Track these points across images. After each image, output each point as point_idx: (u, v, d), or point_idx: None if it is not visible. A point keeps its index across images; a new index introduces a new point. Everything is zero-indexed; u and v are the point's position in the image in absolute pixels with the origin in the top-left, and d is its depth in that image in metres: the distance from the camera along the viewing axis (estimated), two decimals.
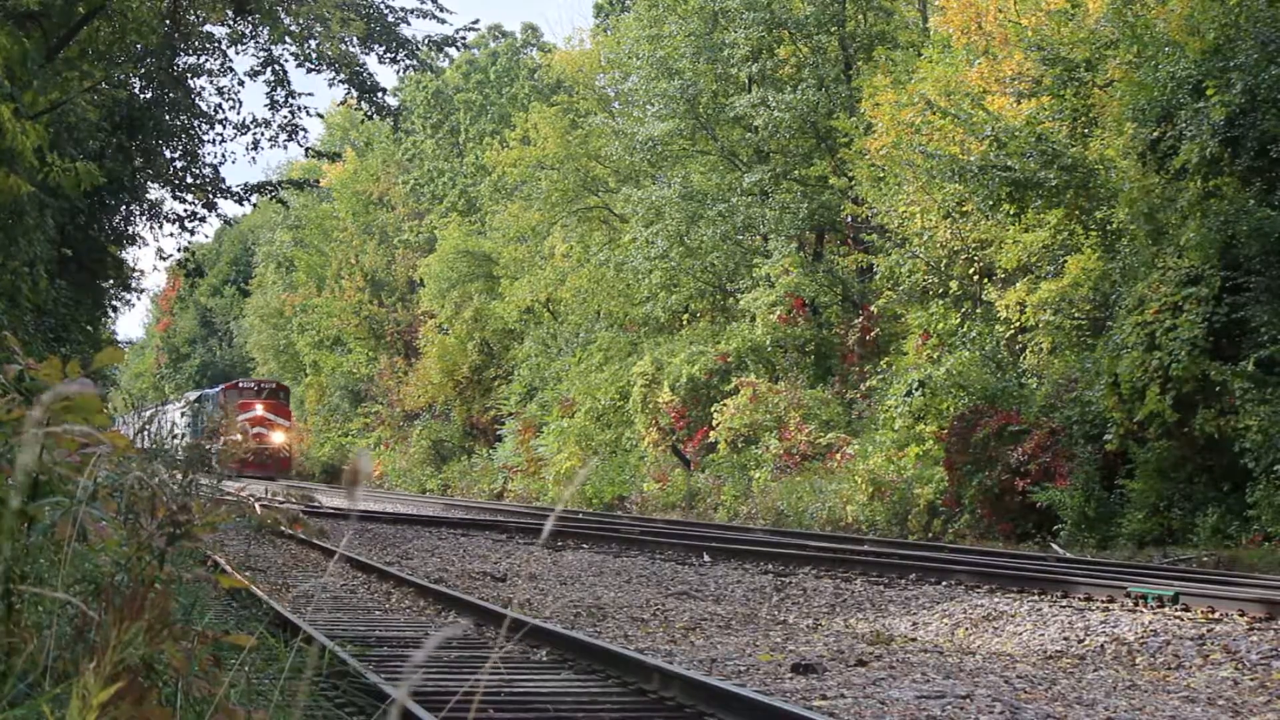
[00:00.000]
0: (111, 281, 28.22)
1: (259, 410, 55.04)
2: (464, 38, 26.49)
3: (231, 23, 24.27)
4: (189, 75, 25.52)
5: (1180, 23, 20.14)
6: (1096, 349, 21.47)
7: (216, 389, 59.78)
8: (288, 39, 24.09)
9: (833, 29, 34.76)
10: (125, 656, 2.91)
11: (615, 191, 41.76)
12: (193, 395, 64.10)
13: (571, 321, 45.58)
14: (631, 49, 38.36)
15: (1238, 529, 17.86)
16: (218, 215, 28.00)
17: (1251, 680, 8.72)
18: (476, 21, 28.97)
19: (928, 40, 29.88)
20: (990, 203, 23.26)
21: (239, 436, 50.52)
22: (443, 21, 36.60)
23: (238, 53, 30.30)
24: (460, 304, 51.72)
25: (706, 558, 17.55)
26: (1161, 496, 19.24)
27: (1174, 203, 19.82)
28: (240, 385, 58.44)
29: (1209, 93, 18.70)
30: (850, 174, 31.14)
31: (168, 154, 25.90)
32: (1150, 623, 10.80)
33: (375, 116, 25.91)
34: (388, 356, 61.41)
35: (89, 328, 26.50)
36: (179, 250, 27.72)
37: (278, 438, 55.07)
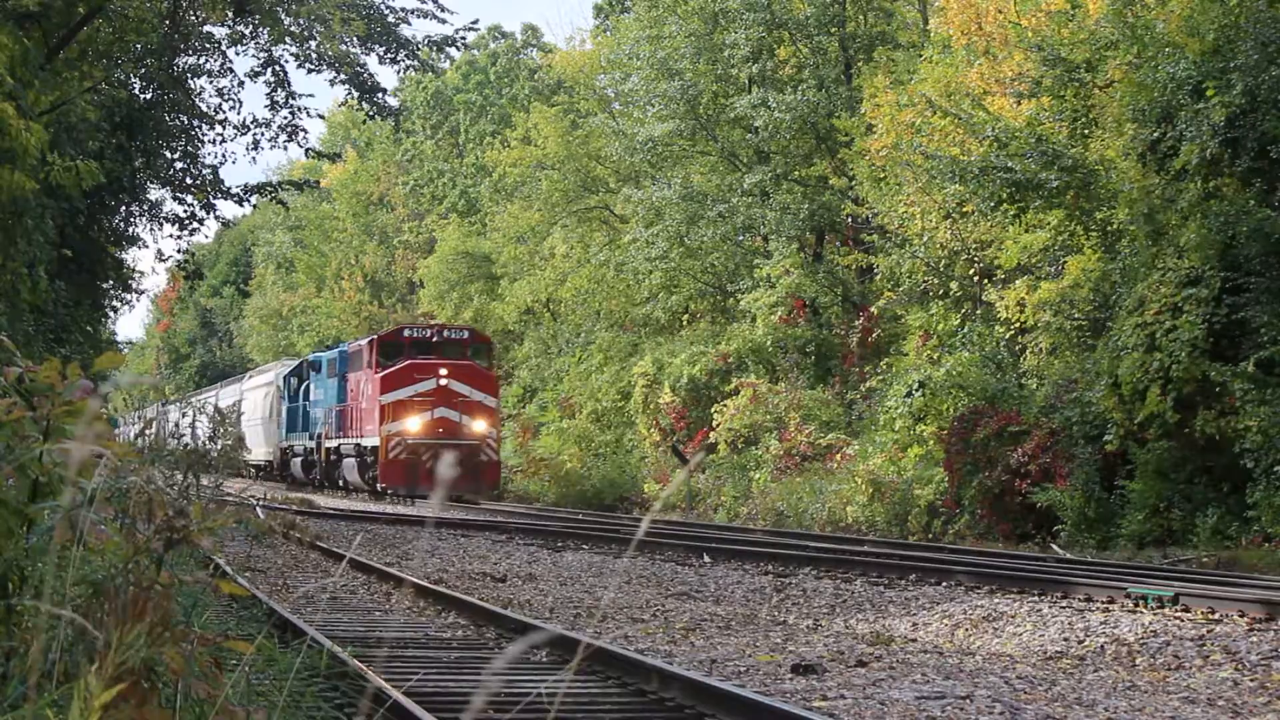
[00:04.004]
0: (111, 282, 28.25)
1: (444, 378, 32.43)
2: (464, 38, 26.53)
3: (231, 23, 24.30)
4: (189, 76, 25.56)
5: (1180, 24, 20.13)
6: (1097, 350, 21.46)
7: (335, 350, 38.99)
8: (288, 39, 24.12)
9: (833, 29, 34.77)
10: (127, 658, 2.91)
11: (615, 192, 41.76)
12: (283, 366, 44.77)
13: (571, 322, 45.56)
14: (632, 50, 38.35)
15: (1238, 530, 17.85)
16: (216, 217, 28.05)
17: (1251, 681, 8.72)
18: (476, 22, 28.95)
19: (928, 41, 29.87)
20: (990, 204, 23.25)
21: (414, 425, 31.98)
22: (443, 22, 36.57)
23: (238, 53, 30.31)
24: (460, 305, 51.69)
25: (707, 558, 17.54)
26: (1161, 497, 19.23)
27: (1174, 203, 19.82)
28: (407, 335, 34.27)
29: (1209, 94, 18.69)
30: (850, 174, 31.14)
31: (168, 154, 25.95)
32: (1150, 623, 10.80)
33: (376, 117, 25.94)
34: None
35: (89, 328, 26.56)
36: (178, 252, 27.76)
37: (478, 426, 32.52)
